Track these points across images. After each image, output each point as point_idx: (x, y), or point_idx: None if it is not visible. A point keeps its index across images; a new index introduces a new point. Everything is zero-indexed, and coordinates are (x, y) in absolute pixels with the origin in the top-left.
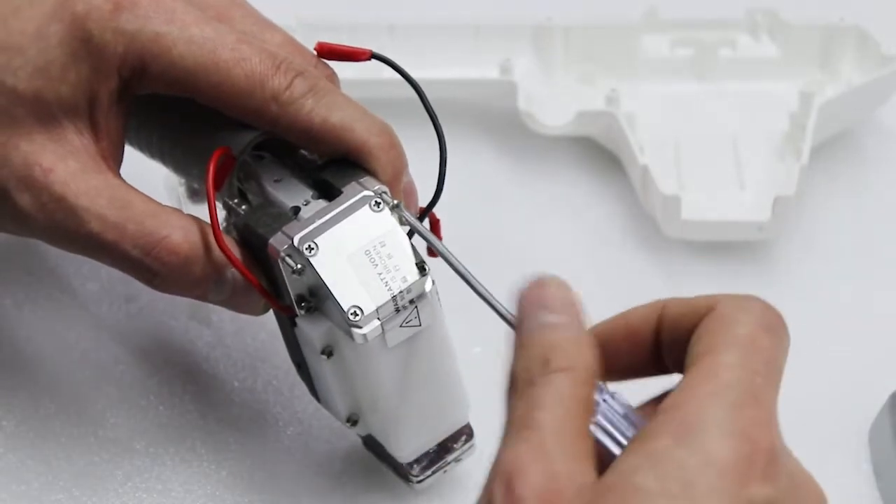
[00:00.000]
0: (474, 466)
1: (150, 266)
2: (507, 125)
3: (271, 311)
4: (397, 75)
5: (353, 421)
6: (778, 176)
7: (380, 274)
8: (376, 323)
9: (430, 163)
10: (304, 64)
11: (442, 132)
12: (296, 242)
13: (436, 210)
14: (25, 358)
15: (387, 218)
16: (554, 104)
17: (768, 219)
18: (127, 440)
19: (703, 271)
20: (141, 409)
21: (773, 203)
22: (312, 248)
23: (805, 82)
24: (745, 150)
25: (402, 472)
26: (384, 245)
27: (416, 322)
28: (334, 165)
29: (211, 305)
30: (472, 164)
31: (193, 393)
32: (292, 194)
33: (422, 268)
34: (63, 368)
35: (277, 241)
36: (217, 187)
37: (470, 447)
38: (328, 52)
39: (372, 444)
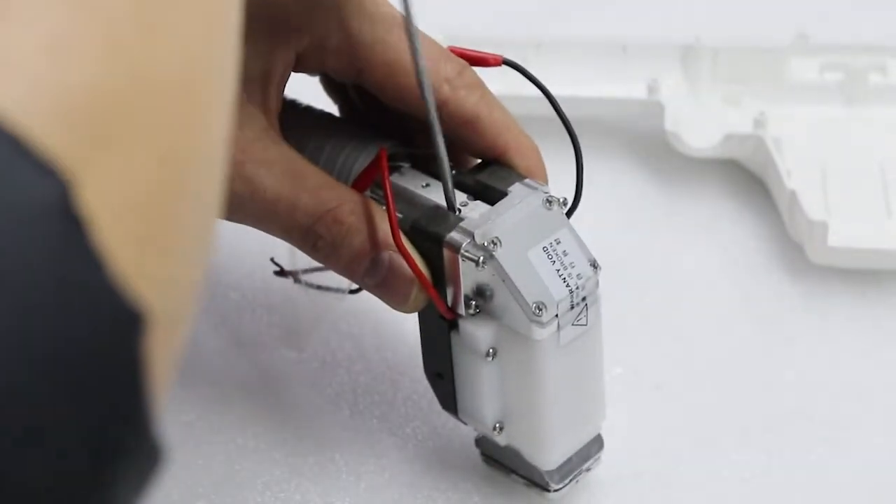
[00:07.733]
0: (602, 473)
1: (316, 232)
2: (652, 145)
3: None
4: (531, 91)
5: (499, 428)
6: None
7: (557, 270)
8: (554, 320)
9: (566, 175)
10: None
11: (574, 133)
12: (477, 238)
13: (579, 226)
14: None
15: (559, 216)
16: (700, 125)
17: None
18: (266, 450)
19: (848, 298)
20: (279, 420)
21: None
22: (496, 243)
23: None
24: (893, 177)
25: (540, 481)
26: (559, 242)
27: (584, 321)
28: (487, 170)
29: None
30: (615, 182)
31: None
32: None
33: (594, 265)
34: (201, 377)
35: (455, 238)
36: (364, 187)
37: (599, 456)
38: (458, 56)
39: (498, 459)
